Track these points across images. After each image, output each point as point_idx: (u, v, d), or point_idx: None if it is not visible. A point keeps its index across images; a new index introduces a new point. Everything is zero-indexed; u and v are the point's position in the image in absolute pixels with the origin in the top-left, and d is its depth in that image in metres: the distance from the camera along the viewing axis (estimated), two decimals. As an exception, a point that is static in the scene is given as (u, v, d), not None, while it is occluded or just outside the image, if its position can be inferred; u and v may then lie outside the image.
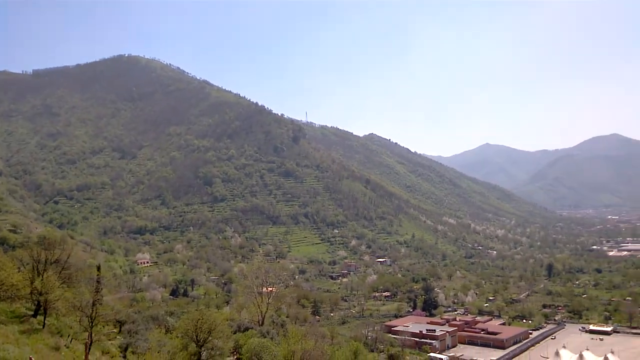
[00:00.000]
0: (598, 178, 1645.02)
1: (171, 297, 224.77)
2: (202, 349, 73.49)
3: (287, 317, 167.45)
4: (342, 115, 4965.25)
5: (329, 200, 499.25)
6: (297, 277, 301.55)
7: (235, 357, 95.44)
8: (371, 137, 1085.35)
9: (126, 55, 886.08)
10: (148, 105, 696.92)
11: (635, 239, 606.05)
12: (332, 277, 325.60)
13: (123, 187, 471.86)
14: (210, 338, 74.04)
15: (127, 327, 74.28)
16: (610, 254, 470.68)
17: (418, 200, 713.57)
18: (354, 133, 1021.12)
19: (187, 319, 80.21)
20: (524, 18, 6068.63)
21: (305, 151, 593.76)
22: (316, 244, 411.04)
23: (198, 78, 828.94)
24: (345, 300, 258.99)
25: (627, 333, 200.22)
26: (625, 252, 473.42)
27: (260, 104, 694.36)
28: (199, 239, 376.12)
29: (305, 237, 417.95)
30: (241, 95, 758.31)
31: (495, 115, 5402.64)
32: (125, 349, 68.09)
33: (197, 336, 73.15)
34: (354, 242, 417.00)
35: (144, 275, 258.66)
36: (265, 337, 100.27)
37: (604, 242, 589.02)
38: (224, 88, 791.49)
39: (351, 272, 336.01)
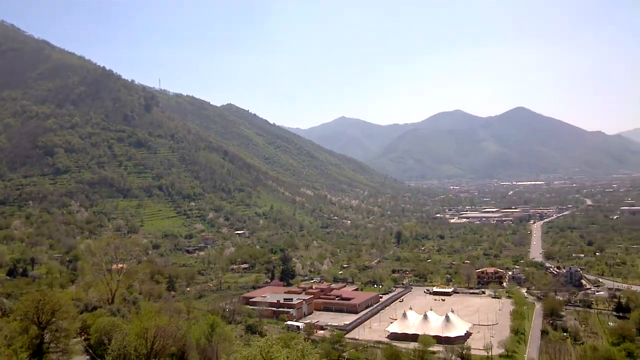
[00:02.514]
0: (442, 151, 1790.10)
1: (8, 277, 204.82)
2: (45, 331, 68.99)
3: (139, 294, 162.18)
4: (199, 83, 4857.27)
5: (184, 171, 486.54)
6: (150, 252, 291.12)
7: (83, 337, 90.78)
8: (229, 107, 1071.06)
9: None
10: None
11: (473, 207, 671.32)
12: (188, 251, 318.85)
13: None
14: (53, 319, 69.75)
15: (-49, 313, 65.87)
16: (452, 221, 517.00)
17: (277, 172, 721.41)
18: (211, 103, 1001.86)
19: (26, 300, 75.09)
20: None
21: (158, 120, 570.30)
22: (171, 217, 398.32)
23: (36, 37, 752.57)
24: (202, 274, 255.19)
25: (465, 293, 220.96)
26: (464, 220, 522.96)
27: (108, 69, 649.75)
28: (39, 214, 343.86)
29: (160, 211, 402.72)
30: (86, 58, 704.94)
31: (351, 89, 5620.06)
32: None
33: (38, 318, 68.80)
34: (211, 215, 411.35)
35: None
36: (115, 315, 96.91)
37: (447, 210, 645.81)
38: (66, 50, 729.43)
39: (208, 245, 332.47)
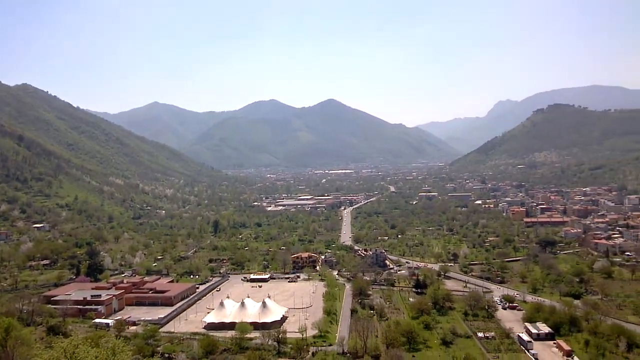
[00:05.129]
0: (259, 139, 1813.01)
1: None
2: None
3: None
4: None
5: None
6: None
7: None
8: (25, 87, 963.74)
9: None
10: None
11: (289, 195, 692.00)
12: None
13: None
14: None
15: None
16: (269, 209, 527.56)
17: (82, 159, 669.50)
18: (3, 82, 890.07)
19: None
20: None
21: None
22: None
23: None
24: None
25: (281, 278, 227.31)
26: (281, 207, 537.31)
27: None
28: None
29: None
30: None
31: (165, 74, 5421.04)
32: None
33: None
34: (4, 207, 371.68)
35: None
36: None
37: (264, 198, 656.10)
38: None
39: (1, 241, 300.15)
